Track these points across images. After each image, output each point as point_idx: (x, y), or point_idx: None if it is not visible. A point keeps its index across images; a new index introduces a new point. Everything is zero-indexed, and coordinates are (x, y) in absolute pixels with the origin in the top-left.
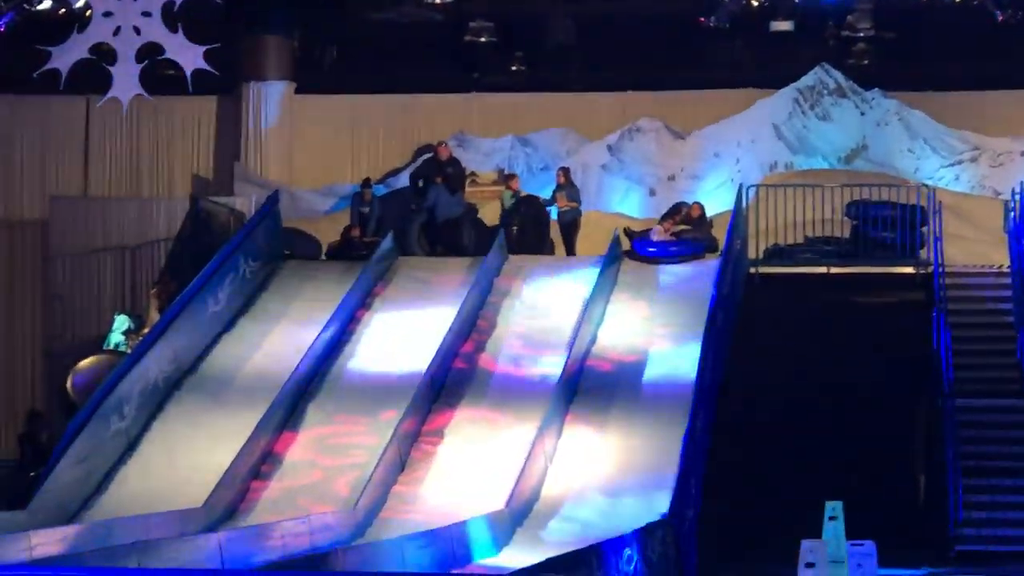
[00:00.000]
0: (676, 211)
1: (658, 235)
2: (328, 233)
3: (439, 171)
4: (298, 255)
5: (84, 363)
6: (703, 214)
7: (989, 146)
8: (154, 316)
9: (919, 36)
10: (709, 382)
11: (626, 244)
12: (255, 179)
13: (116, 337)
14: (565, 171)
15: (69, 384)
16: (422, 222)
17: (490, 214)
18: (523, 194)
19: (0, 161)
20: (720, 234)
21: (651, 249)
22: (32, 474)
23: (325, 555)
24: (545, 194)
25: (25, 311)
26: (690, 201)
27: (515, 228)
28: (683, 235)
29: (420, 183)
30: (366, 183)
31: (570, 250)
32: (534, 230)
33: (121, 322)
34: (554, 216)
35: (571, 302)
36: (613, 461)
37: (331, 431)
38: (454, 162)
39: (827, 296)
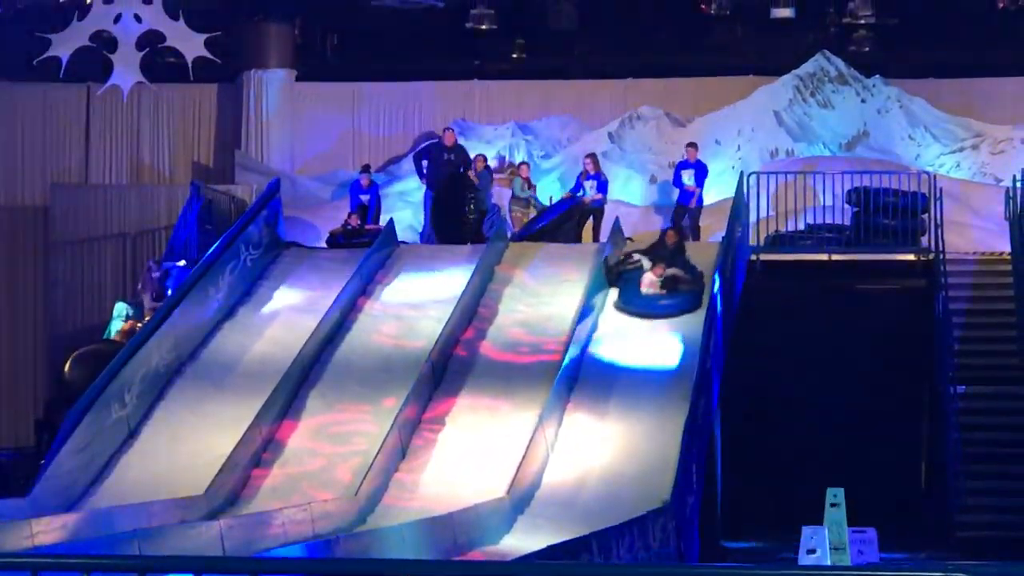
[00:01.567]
0: (662, 250)
1: (647, 285)
2: (329, 221)
3: (443, 156)
4: (299, 243)
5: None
6: (679, 240)
7: (990, 133)
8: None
9: (920, 23)
10: (710, 369)
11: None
12: (256, 167)
13: (117, 324)
14: (593, 158)
15: (67, 372)
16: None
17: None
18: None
19: (1, 148)
20: (721, 222)
21: (639, 303)
22: (43, 462)
23: (327, 542)
24: (552, 179)
25: (27, 298)
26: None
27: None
28: (675, 283)
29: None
30: (365, 169)
31: (596, 237)
32: (576, 225)
33: (120, 310)
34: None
35: (573, 289)
36: (614, 448)
37: (332, 418)
38: (458, 149)
39: (828, 283)
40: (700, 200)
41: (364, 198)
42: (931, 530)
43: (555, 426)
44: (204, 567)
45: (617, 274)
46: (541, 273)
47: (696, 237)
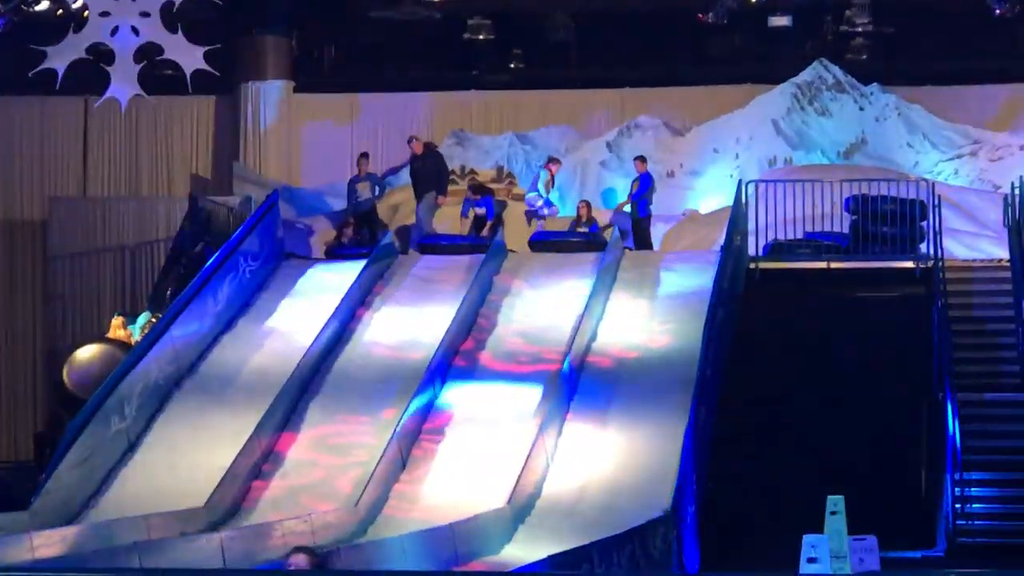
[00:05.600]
0: None
1: None
2: (328, 232)
3: (415, 165)
4: (298, 254)
5: (80, 355)
6: None
7: (988, 140)
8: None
9: (917, 30)
10: (709, 378)
11: None
12: (254, 178)
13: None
14: (587, 205)
15: (65, 376)
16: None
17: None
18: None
19: None
20: (720, 231)
21: None
22: (43, 475)
23: (327, 553)
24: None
25: (26, 311)
26: (690, 200)
27: None
28: None
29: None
30: (364, 156)
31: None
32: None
33: (144, 318)
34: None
35: (571, 299)
36: (614, 458)
37: (332, 430)
38: (431, 156)
39: (827, 291)
40: (643, 210)
41: (362, 188)
42: (931, 537)
43: (555, 436)
44: None
45: None
46: (539, 283)
47: (649, 246)
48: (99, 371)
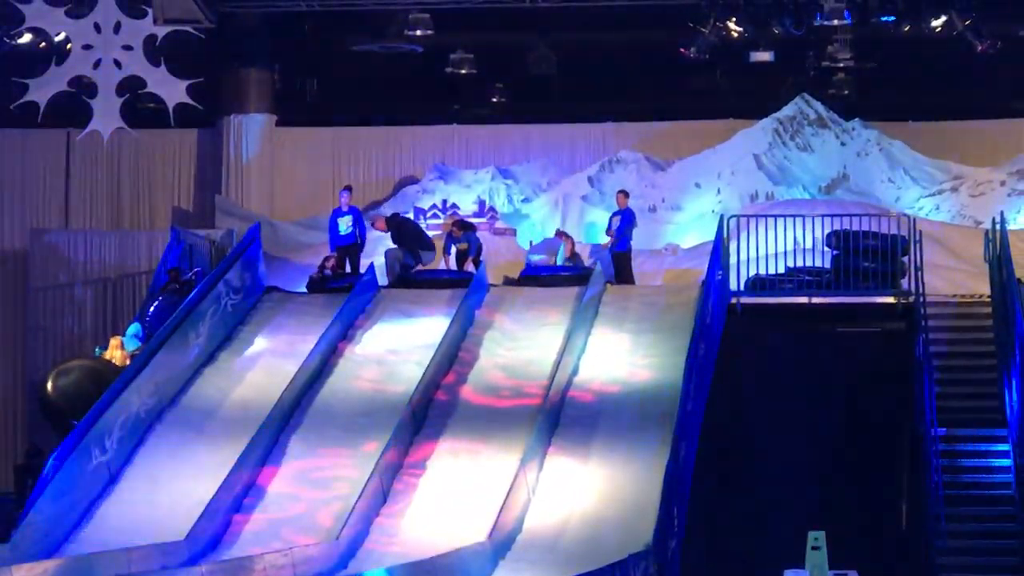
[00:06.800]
0: None
1: None
2: (310, 265)
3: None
4: (279, 287)
5: (65, 368)
6: None
7: (969, 176)
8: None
9: (899, 66)
10: (691, 412)
11: None
12: (236, 211)
13: (131, 344)
14: (571, 240)
15: (49, 387)
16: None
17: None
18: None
19: None
20: (701, 265)
21: None
22: (23, 508)
23: None
24: (531, 223)
25: (6, 343)
26: (672, 235)
27: None
28: None
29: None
30: (347, 188)
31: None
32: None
33: (136, 328)
34: None
35: (553, 333)
36: (595, 492)
37: (314, 463)
38: (391, 229)
39: (809, 326)
40: (624, 245)
41: (343, 222)
42: (912, 572)
43: (536, 470)
44: None
45: None
46: (521, 317)
47: (631, 280)
48: (84, 387)
